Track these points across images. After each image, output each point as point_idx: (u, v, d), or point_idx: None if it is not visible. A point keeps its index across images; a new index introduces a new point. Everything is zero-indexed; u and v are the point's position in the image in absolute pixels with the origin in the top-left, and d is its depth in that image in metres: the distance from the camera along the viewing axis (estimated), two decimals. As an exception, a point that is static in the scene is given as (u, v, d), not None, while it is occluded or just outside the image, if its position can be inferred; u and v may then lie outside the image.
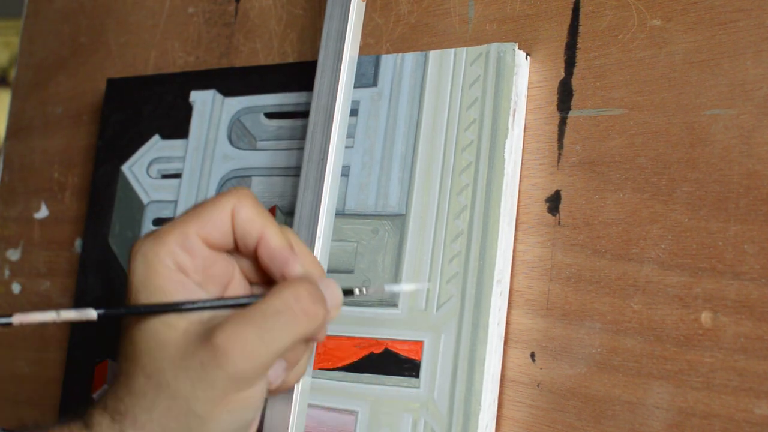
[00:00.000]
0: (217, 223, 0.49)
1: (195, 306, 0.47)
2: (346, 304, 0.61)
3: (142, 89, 0.75)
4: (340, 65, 0.61)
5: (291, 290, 0.48)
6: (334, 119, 0.60)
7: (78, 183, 0.82)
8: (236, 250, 0.50)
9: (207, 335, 0.46)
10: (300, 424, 0.57)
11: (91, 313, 0.46)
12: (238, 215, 0.49)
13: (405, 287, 0.58)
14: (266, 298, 0.47)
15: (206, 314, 0.48)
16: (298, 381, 0.53)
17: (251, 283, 0.52)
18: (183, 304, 0.47)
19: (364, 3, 0.62)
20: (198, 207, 0.50)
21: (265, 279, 0.51)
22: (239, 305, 0.48)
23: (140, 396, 0.47)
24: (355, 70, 0.62)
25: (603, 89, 0.57)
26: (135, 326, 0.48)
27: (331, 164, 0.60)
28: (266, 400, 0.56)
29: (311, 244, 0.59)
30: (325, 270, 0.59)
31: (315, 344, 0.54)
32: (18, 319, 0.44)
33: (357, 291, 0.52)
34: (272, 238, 0.49)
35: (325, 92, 0.61)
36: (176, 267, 0.48)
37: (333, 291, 0.50)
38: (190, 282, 0.48)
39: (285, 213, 0.66)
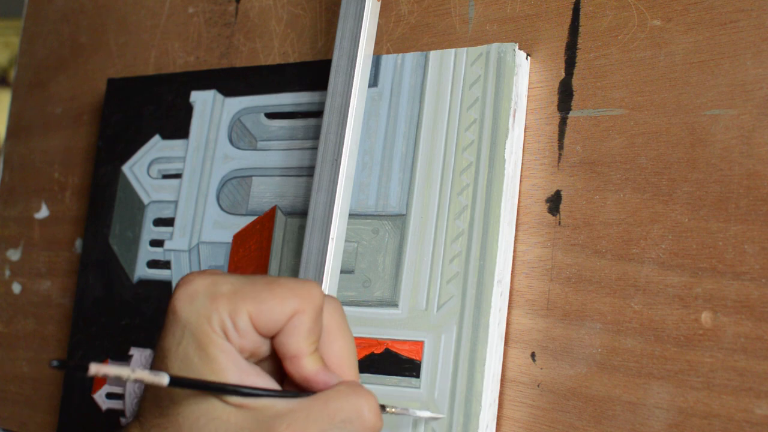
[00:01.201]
0: (273, 318, 0.47)
1: (268, 393, 0.46)
2: (346, 304, 0.61)
3: (142, 89, 0.75)
4: (355, 66, 0.60)
5: (358, 398, 0.46)
6: (349, 120, 0.60)
7: (78, 183, 0.82)
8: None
9: (269, 425, 0.45)
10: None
11: (164, 379, 0.44)
12: (294, 324, 0.47)
13: (422, 413, 0.56)
14: (332, 398, 0.46)
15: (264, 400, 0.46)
16: None
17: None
18: (256, 389, 0.46)
19: (379, 2, 0.62)
20: (261, 285, 0.47)
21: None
22: (302, 396, 0.47)
23: None
24: (369, 70, 0.62)
25: (603, 89, 0.57)
26: (186, 391, 0.46)
27: (344, 165, 0.60)
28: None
29: (324, 246, 0.59)
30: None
31: None
32: (94, 370, 0.43)
33: (388, 409, 0.51)
34: (307, 363, 0.47)
35: (339, 93, 0.61)
36: (227, 340, 0.46)
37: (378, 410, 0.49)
38: (242, 359, 0.47)
39: (286, 213, 0.66)
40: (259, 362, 0.48)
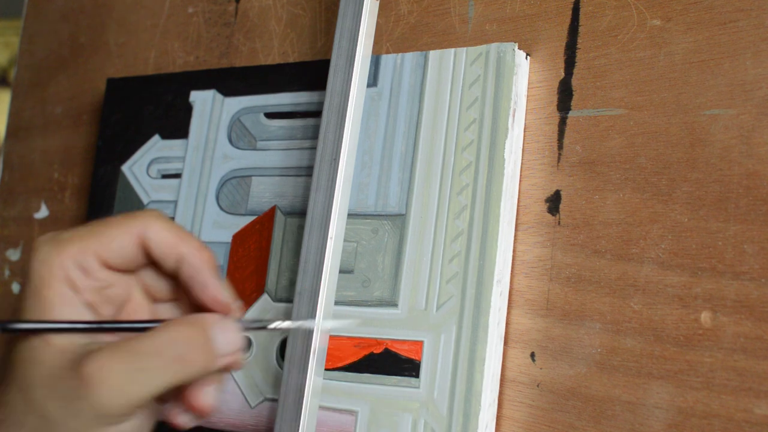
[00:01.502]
0: (117, 246, 0.47)
1: (70, 327, 0.46)
2: (346, 304, 0.60)
3: (142, 89, 0.75)
4: (353, 65, 0.60)
5: (168, 333, 0.46)
6: (347, 119, 0.60)
7: (78, 183, 0.82)
8: (158, 270, 0.49)
9: (78, 361, 0.44)
10: (311, 426, 0.57)
11: None
12: (151, 239, 0.48)
13: (330, 324, 0.56)
14: (143, 335, 0.46)
15: (85, 338, 0.46)
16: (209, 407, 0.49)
17: (155, 302, 0.51)
18: (59, 322, 0.46)
19: (378, 2, 0.62)
20: (102, 224, 0.48)
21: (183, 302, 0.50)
22: (116, 330, 0.47)
23: (12, 407, 0.46)
24: (368, 69, 0.62)
25: (603, 89, 0.57)
26: (16, 337, 0.47)
27: (343, 164, 0.60)
28: (278, 402, 0.56)
29: (323, 245, 0.59)
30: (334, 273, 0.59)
31: (222, 375, 0.50)
32: None
33: (272, 325, 0.51)
34: (193, 258, 0.48)
35: (338, 92, 0.61)
36: (67, 283, 0.47)
37: (229, 335, 0.48)
38: (78, 300, 0.47)
39: (285, 213, 0.66)
40: (124, 309, 0.49)
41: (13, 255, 0.86)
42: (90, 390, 0.44)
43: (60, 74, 0.86)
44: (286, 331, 0.59)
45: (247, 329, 0.50)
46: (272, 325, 0.51)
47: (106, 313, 0.49)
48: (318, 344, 0.57)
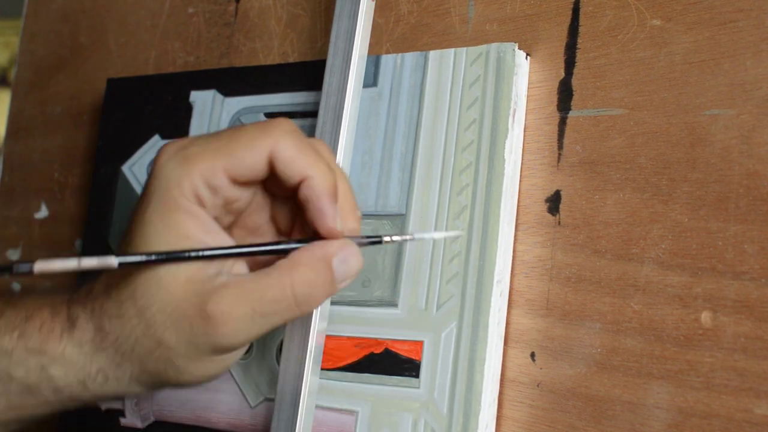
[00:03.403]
0: (248, 164, 0.47)
1: (208, 254, 0.46)
2: (345, 304, 0.61)
3: (142, 89, 0.75)
4: (349, 65, 0.60)
5: (292, 277, 0.46)
6: (343, 119, 0.60)
7: (78, 183, 0.82)
8: (280, 191, 0.49)
9: (204, 299, 0.45)
10: (307, 425, 0.57)
11: (112, 261, 0.44)
12: (279, 156, 0.47)
13: (436, 235, 0.55)
14: (268, 275, 0.46)
15: (213, 266, 0.46)
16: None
17: (280, 233, 0.51)
18: (192, 251, 0.46)
19: (374, 2, 0.62)
20: (232, 139, 0.47)
21: (300, 229, 0.50)
22: (249, 254, 0.47)
23: (129, 325, 0.47)
24: (364, 69, 0.62)
25: (603, 89, 0.57)
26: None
27: (340, 164, 0.60)
28: (275, 401, 0.57)
29: None
30: None
31: None
32: (39, 266, 0.43)
33: (386, 238, 0.50)
34: (316, 180, 0.47)
35: (334, 92, 0.61)
36: (197, 202, 0.46)
37: (350, 259, 0.48)
38: (208, 219, 0.47)
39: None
40: (245, 220, 0.49)
41: (13, 255, 0.86)
42: (214, 329, 0.45)
43: (60, 74, 0.86)
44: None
45: (363, 245, 0.50)
46: (386, 238, 0.50)
47: (226, 222, 0.49)
48: (314, 343, 0.57)
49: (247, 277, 0.47)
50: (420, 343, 0.58)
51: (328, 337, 0.60)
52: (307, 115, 0.66)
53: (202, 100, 0.71)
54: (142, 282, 0.47)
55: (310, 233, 0.49)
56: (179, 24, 0.79)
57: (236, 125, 0.49)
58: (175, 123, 0.73)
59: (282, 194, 0.50)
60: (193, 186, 0.46)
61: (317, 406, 0.60)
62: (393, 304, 0.59)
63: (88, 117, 0.83)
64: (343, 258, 0.48)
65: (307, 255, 0.47)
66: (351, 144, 0.61)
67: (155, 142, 0.74)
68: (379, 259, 0.60)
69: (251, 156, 0.47)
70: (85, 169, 0.82)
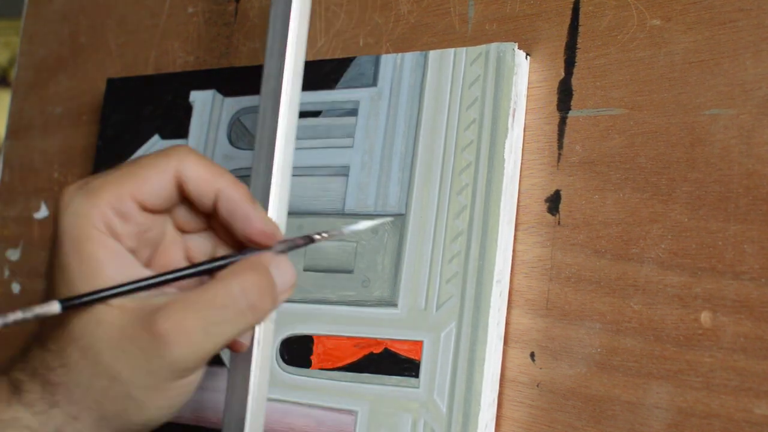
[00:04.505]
0: (155, 188, 0.46)
1: (141, 285, 0.44)
2: (346, 304, 0.60)
3: (142, 89, 0.75)
4: (283, 71, 0.54)
5: (239, 282, 0.45)
6: (279, 124, 0.53)
7: (78, 183, 0.82)
8: (192, 223, 0.48)
9: (149, 320, 0.44)
10: (258, 417, 0.52)
11: (55, 307, 0.43)
12: (187, 176, 0.46)
13: (363, 225, 0.53)
14: (212, 285, 0.45)
15: (146, 292, 0.45)
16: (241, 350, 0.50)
17: (185, 234, 0.49)
18: (130, 284, 0.44)
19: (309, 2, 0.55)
20: (134, 165, 0.46)
21: (221, 236, 0.49)
22: (177, 279, 0.46)
23: (75, 371, 0.45)
24: (302, 74, 0.54)
25: (603, 89, 0.57)
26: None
27: (278, 169, 0.53)
28: (227, 394, 0.54)
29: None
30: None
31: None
32: None
33: (317, 236, 0.49)
34: (231, 192, 0.46)
35: (273, 75, 0.54)
36: (108, 232, 0.45)
37: (286, 271, 0.47)
38: (123, 249, 0.45)
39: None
40: (163, 251, 0.48)
41: (13, 255, 0.86)
42: (167, 348, 0.43)
43: (60, 74, 0.86)
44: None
45: (298, 247, 0.49)
46: (317, 237, 0.49)
47: (145, 255, 0.48)
48: (262, 335, 0.52)
49: (189, 292, 0.45)
50: (419, 343, 0.58)
51: (327, 336, 0.60)
52: (307, 115, 0.66)
53: (202, 100, 0.71)
54: (77, 324, 0.45)
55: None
56: (179, 24, 0.79)
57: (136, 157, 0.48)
58: (175, 123, 0.73)
59: (194, 229, 0.49)
60: (103, 215, 0.45)
61: (317, 406, 0.60)
62: (392, 303, 0.59)
63: (88, 117, 0.83)
64: (279, 265, 0.47)
65: (249, 262, 0.46)
66: (291, 148, 0.54)
67: (155, 142, 0.74)
68: (379, 259, 0.60)
69: (157, 177, 0.46)
70: (85, 169, 0.82)
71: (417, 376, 0.57)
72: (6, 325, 0.43)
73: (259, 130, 0.53)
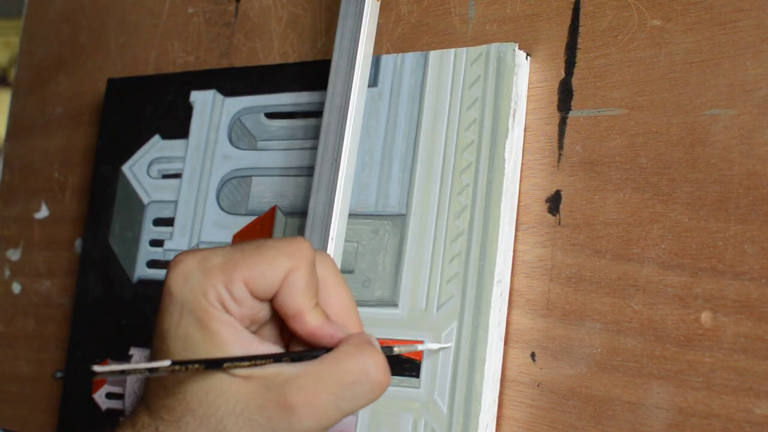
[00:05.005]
0: (267, 281, 0.47)
1: (267, 358, 0.46)
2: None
3: (142, 89, 0.75)
4: (354, 66, 0.60)
5: (365, 358, 0.47)
6: (348, 120, 0.60)
7: (78, 183, 0.82)
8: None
9: (280, 392, 0.45)
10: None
11: (166, 364, 0.44)
12: (291, 282, 0.47)
13: (431, 346, 0.57)
14: (340, 360, 0.46)
15: (267, 366, 0.46)
16: None
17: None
18: (259, 357, 0.46)
19: (379, 2, 0.62)
20: (251, 250, 0.47)
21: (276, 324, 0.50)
22: (309, 358, 0.47)
23: None
24: (369, 70, 0.62)
25: (603, 89, 0.57)
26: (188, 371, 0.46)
27: (344, 165, 0.60)
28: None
29: (324, 245, 0.59)
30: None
31: None
32: (98, 370, 0.43)
33: (396, 349, 0.52)
34: (311, 318, 0.47)
35: (339, 92, 0.61)
36: (229, 312, 0.46)
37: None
38: (242, 328, 0.47)
39: (285, 213, 0.66)
40: (261, 328, 0.49)
41: (14, 255, 0.86)
42: (298, 420, 0.45)
43: (60, 74, 0.86)
44: None
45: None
46: (396, 349, 0.53)
47: (252, 330, 0.49)
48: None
49: (317, 365, 0.46)
50: (420, 343, 0.58)
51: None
52: (308, 116, 0.66)
53: (202, 100, 0.71)
54: (195, 394, 0.46)
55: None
56: (179, 24, 0.79)
57: (259, 240, 0.49)
58: (175, 123, 0.73)
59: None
60: (219, 295, 0.46)
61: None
62: (393, 304, 0.59)
63: (88, 117, 0.83)
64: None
65: (363, 338, 0.48)
66: (356, 144, 0.61)
67: (155, 142, 0.74)
68: (380, 259, 0.60)
69: (271, 272, 0.47)
70: (85, 169, 0.82)
71: (418, 376, 0.57)
72: (124, 374, 0.43)
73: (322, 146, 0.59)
